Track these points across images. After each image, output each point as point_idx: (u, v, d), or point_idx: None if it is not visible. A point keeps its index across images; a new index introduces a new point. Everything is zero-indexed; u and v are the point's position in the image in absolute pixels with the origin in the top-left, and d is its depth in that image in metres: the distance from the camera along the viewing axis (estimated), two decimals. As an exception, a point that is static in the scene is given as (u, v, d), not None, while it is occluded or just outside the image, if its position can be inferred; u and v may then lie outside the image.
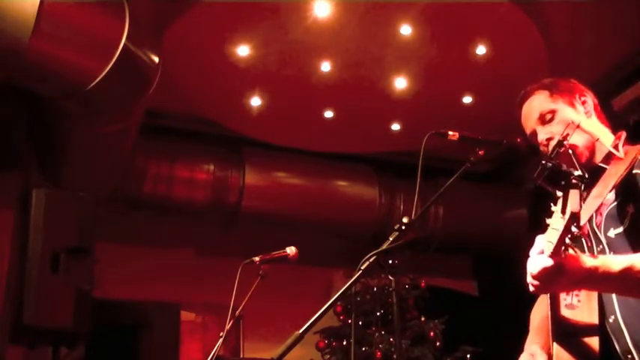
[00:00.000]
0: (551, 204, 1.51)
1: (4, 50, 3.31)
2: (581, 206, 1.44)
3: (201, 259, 6.21)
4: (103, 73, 3.54)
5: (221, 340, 2.87)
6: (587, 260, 1.54)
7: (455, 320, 5.72)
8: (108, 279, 4.77)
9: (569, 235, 1.45)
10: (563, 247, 1.48)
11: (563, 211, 1.44)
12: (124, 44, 3.57)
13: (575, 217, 1.42)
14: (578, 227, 1.45)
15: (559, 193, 1.48)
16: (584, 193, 1.69)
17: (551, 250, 1.46)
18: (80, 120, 4.06)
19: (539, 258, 1.51)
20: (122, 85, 3.80)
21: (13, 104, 4.24)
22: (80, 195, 3.69)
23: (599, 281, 1.55)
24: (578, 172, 1.48)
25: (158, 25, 4.44)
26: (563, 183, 1.46)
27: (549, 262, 1.47)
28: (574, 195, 1.43)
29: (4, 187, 4.02)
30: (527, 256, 1.57)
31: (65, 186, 4.47)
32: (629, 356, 1.66)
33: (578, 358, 1.64)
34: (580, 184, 1.45)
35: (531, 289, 1.56)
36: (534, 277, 1.52)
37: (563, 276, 1.50)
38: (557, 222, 1.47)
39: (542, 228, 1.53)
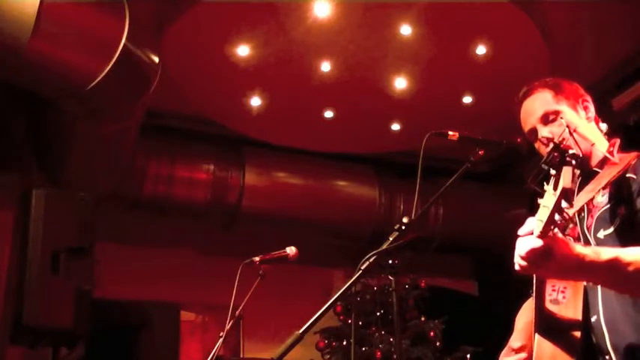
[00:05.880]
0: (545, 183, 1.49)
1: (4, 50, 3.31)
2: (574, 183, 1.42)
3: (201, 259, 6.20)
4: (103, 73, 3.55)
5: (221, 340, 2.87)
6: (577, 247, 1.52)
7: (455, 320, 5.72)
8: (108, 279, 4.76)
9: (560, 213, 1.42)
10: (553, 226, 1.45)
11: (555, 187, 1.41)
12: (124, 44, 3.57)
13: (566, 193, 1.40)
14: (570, 203, 1.43)
15: (552, 171, 1.45)
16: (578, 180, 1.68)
17: (540, 228, 1.43)
18: (80, 120, 4.06)
19: (527, 238, 1.48)
20: (122, 85, 3.80)
21: (13, 104, 4.25)
22: (80, 195, 3.69)
23: (587, 270, 1.53)
24: (572, 151, 1.45)
25: (158, 25, 4.44)
26: (557, 160, 1.44)
27: (538, 243, 1.44)
28: (567, 172, 1.41)
29: (4, 187, 4.03)
30: (516, 237, 1.54)
31: (65, 186, 4.47)
32: (607, 357, 1.66)
33: (558, 352, 1.63)
34: (574, 161, 1.43)
35: (517, 268, 1.52)
36: (522, 258, 1.49)
37: (551, 259, 1.46)
38: (548, 199, 1.44)
39: (535, 210, 1.50)
